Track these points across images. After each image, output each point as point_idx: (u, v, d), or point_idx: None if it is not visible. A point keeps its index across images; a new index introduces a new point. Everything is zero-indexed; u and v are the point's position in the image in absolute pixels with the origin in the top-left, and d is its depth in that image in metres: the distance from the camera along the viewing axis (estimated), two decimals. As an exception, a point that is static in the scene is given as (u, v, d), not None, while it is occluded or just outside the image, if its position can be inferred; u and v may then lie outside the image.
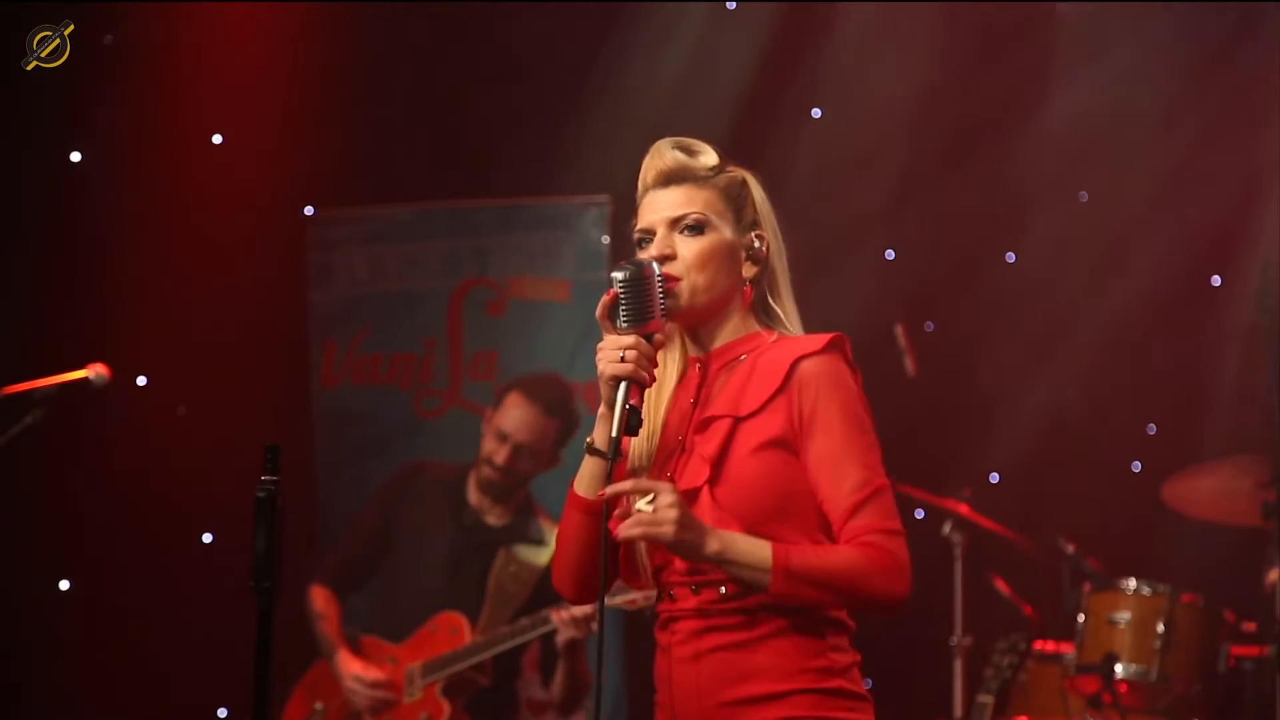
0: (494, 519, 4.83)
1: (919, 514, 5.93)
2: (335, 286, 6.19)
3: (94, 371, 4.04)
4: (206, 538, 6.28)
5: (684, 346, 2.75)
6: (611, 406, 2.61)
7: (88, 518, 6.08)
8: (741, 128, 6.43)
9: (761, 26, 6.46)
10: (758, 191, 2.76)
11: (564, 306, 6.08)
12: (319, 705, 4.72)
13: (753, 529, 2.57)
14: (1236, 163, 6.24)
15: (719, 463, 2.60)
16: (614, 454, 2.60)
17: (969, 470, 5.79)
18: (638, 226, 2.74)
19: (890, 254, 6.62)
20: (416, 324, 6.07)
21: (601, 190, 6.10)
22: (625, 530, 2.53)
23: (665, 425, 2.71)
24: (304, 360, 6.17)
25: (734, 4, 6.62)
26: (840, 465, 2.58)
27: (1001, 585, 5.63)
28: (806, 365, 2.61)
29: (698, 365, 2.72)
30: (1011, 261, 6.54)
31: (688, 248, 2.68)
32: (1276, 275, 4.86)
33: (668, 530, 2.49)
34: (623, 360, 2.59)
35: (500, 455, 4.77)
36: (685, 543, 2.51)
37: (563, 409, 4.93)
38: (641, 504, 2.52)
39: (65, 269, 6.16)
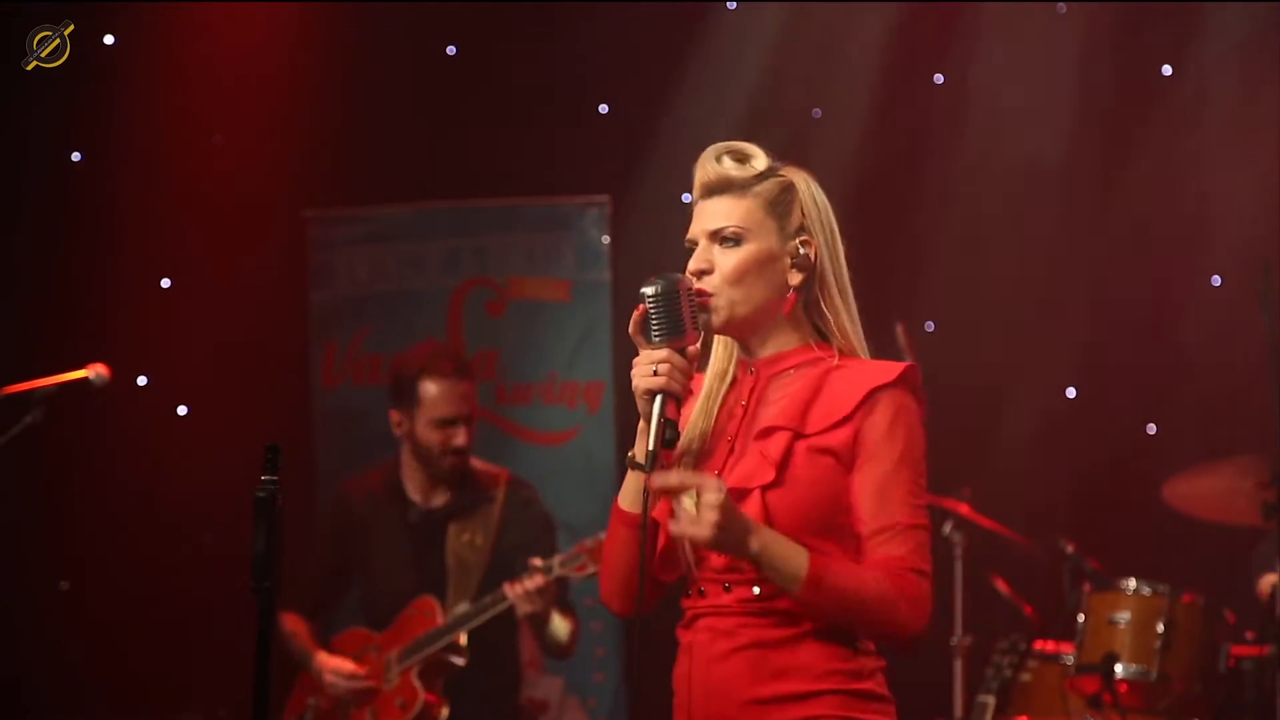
0: (438, 500, 4.79)
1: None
2: (335, 286, 6.19)
3: (94, 371, 4.04)
4: (206, 538, 6.28)
5: (732, 349, 2.75)
6: (649, 420, 2.60)
7: (88, 518, 6.08)
8: (742, 128, 6.44)
9: (760, 27, 6.46)
10: (807, 195, 2.73)
11: (564, 306, 6.08)
12: (312, 700, 4.72)
13: (795, 537, 2.57)
14: (1237, 162, 6.24)
15: (780, 467, 2.61)
16: (651, 467, 2.59)
17: (969, 470, 5.80)
18: (686, 236, 2.75)
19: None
20: (416, 324, 6.06)
21: (601, 190, 6.10)
22: (673, 529, 2.54)
23: (715, 426, 2.71)
24: (304, 360, 6.17)
25: (734, 4, 6.62)
26: (886, 493, 2.60)
27: (1001, 585, 5.62)
28: (878, 396, 2.62)
29: (749, 370, 2.73)
30: (1011, 262, 6.54)
31: (724, 260, 2.68)
32: (1276, 275, 4.86)
33: (707, 531, 2.48)
34: (655, 374, 2.60)
35: (460, 438, 4.69)
36: (726, 541, 2.51)
37: (467, 368, 4.82)
38: (686, 501, 2.52)
39: (65, 269, 6.16)
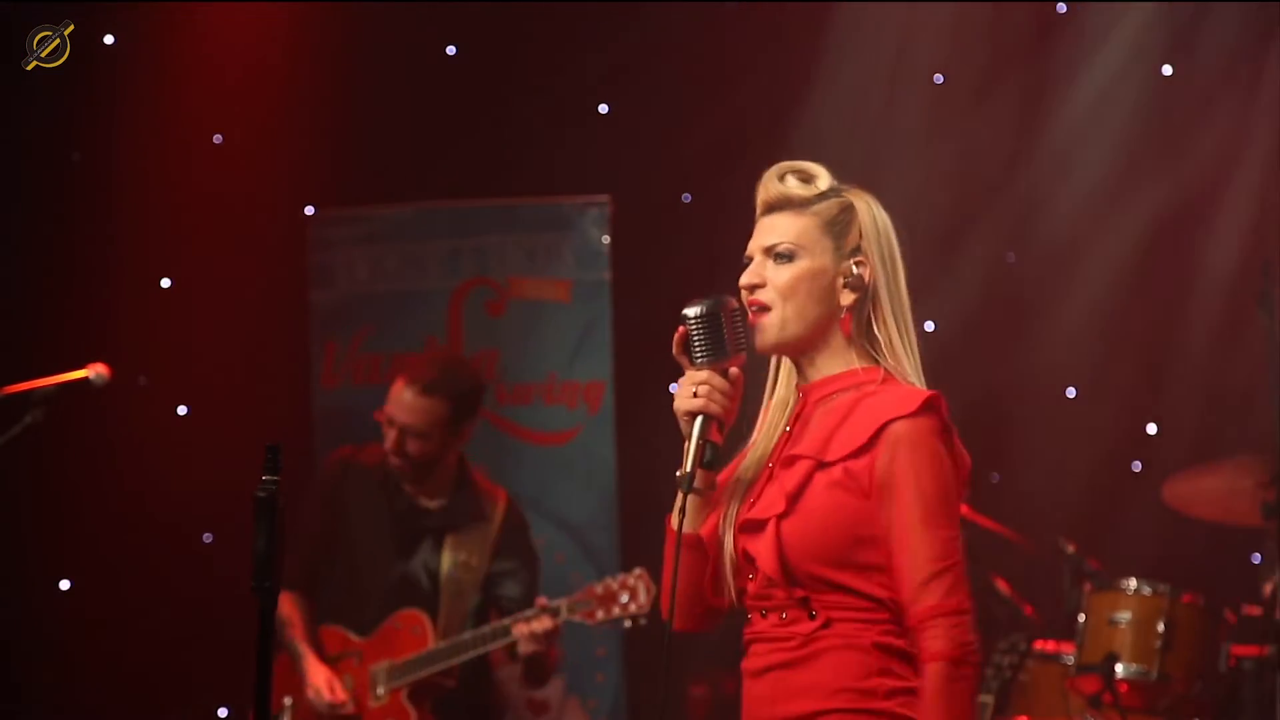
0: (427, 500, 4.78)
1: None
2: (335, 286, 6.19)
3: (94, 371, 4.04)
4: (206, 538, 6.28)
5: (794, 376, 2.76)
6: (690, 441, 2.63)
7: (88, 518, 6.08)
8: (740, 126, 6.44)
9: (760, 27, 6.47)
10: (867, 216, 2.74)
11: (564, 306, 6.08)
12: (287, 700, 4.69)
13: (807, 566, 2.60)
14: (1237, 163, 6.24)
15: (794, 498, 2.62)
16: (689, 488, 2.62)
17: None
18: (745, 252, 2.75)
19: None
20: (416, 324, 6.06)
21: (601, 190, 6.10)
22: None
23: (770, 452, 2.73)
24: (304, 360, 6.17)
25: (733, 3, 6.62)
26: (915, 537, 2.58)
27: (1001, 585, 5.62)
28: (896, 428, 2.60)
29: (798, 394, 2.74)
30: (1011, 261, 6.54)
31: (776, 275, 2.69)
32: (1276, 275, 4.86)
33: None
34: (696, 396, 2.63)
35: (388, 440, 4.70)
36: None
37: (446, 386, 4.72)
38: None
39: (65, 269, 6.16)
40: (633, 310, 6.13)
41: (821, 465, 2.62)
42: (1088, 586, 5.32)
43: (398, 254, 6.18)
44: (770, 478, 2.69)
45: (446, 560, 4.70)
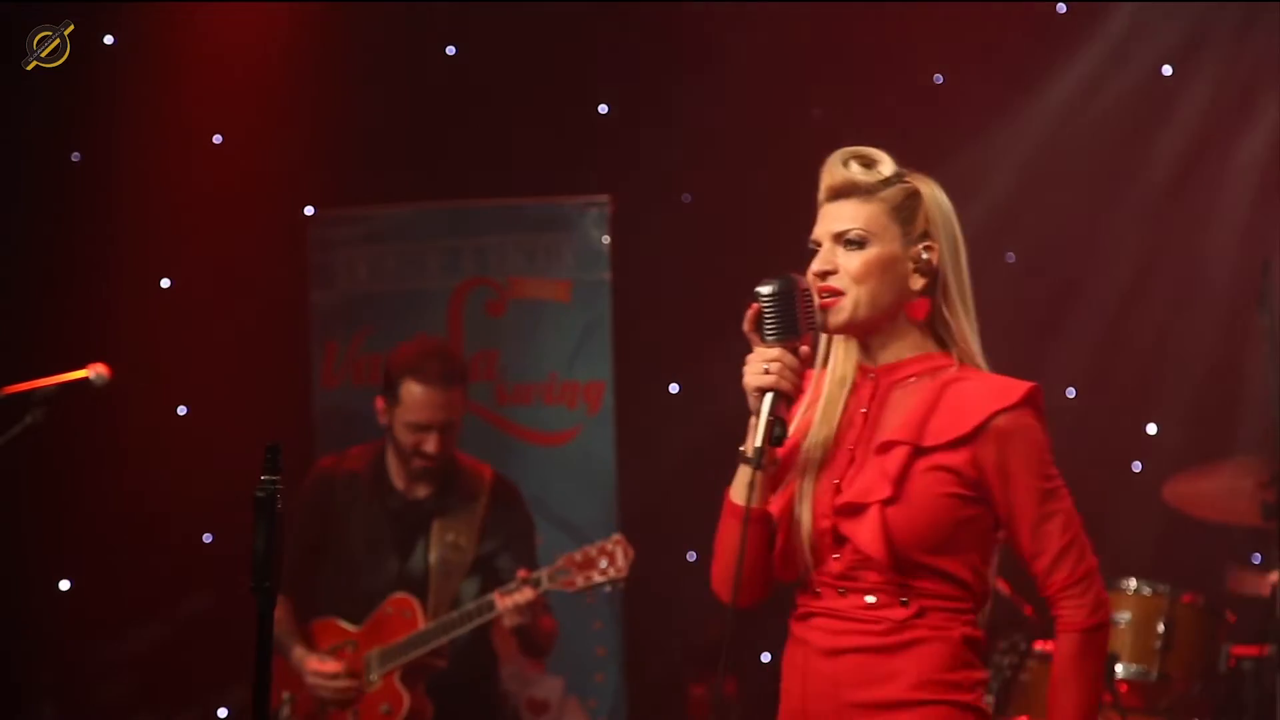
0: (420, 492, 4.78)
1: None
2: (335, 286, 6.19)
3: (94, 371, 4.04)
4: (206, 538, 6.28)
5: (854, 354, 2.79)
6: (759, 416, 2.66)
7: (88, 518, 6.08)
8: (741, 125, 6.44)
9: (760, 27, 6.46)
10: (932, 202, 2.79)
11: (564, 306, 6.08)
12: (286, 694, 4.69)
13: (912, 553, 2.65)
14: (1237, 162, 6.24)
15: (898, 484, 2.66)
16: (758, 463, 2.65)
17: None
18: (810, 237, 2.79)
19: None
20: (416, 324, 6.04)
21: (601, 190, 6.10)
22: None
23: (837, 432, 2.75)
24: (304, 360, 6.17)
25: (733, 2, 6.62)
26: (1039, 520, 2.69)
27: (1002, 585, 5.62)
28: (1001, 421, 2.68)
29: (869, 376, 2.77)
30: (1011, 261, 6.54)
31: (848, 262, 2.73)
32: (1276, 275, 4.86)
33: None
34: (767, 372, 2.66)
35: (430, 444, 4.68)
36: None
37: (456, 374, 4.77)
38: None
39: (65, 269, 6.16)
40: (633, 310, 6.13)
41: (919, 451, 2.67)
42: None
43: (398, 254, 6.18)
44: (853, 460, 2.72)
45: (435, 543, 4.71)
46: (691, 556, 6.63)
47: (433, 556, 4.71)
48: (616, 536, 4.56)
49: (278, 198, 6.30)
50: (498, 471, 4.87)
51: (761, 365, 2.66)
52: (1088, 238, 6.44)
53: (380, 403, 4.78)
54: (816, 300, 2.71)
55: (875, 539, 2.65)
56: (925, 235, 2.76)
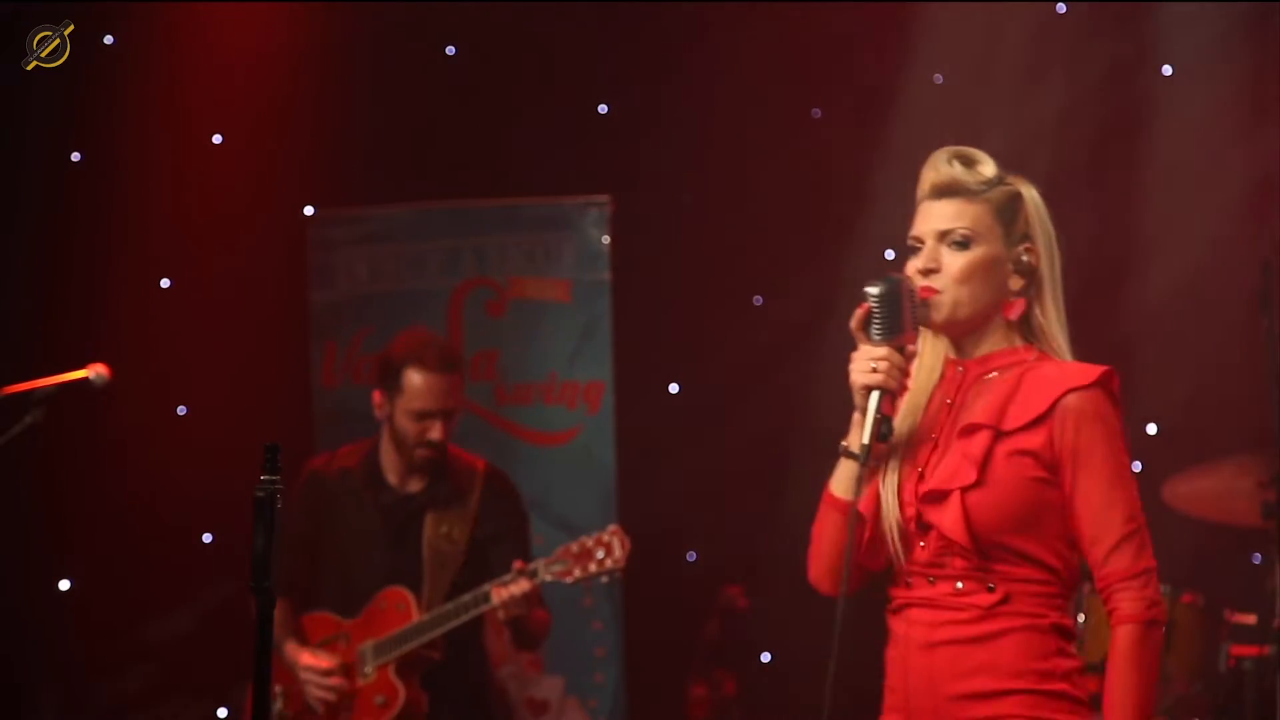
0: (413, 486, 4.77)
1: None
2: (335, 286, 6.19)
3: (94, 371, 4.04)
4: (206, 538, 6.28)
5: (942, 347, 2.84)
6: (865, 413, 2.72)
7: (88, 518, 6.08)
8: (741, 125, 6.44)
9: (760, 27, 6.47)
10: (1032, 204, 2.86)
11: (564, 306, 6.08)
12: (278, 688, 4.68)
13: (996, 537, 2.69)
14: (1237, 162, 6.24)
15: (981, 468, 2.70)
16: (865, 460, 2.72)
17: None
18: (910, 233, 2.83)
19: (890, 254, 6.62)
20: (416, 324, 6.05)
21: (601, 190, 6.10)
22: None
23: (921, 423, 2.80)
24: (304, 360, 6.17)
25: (733, 3, 6.62)
26: (1102, 505, 2.70)
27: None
28: (1073, 399, 2.72)
29: (957, 369, 2.81)
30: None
31: (952, 261, 2.78)
32: (1276, 275, 4.86)
33: None
34: (874, 371, 2.71)
35: (435, 432, 4.67)
36: None
37: (455, 361, 4.76)
38: None
39: (65, 269, 6.16)
40: (633, 310, 6.13)
41: (1000, 435, 2.71)
42: (1087, 587, 5.32)
43: (398, 254, 6.18)
44: (937, 447, 2.76)
45: (428, 535, 4.70)
46: (691, 556, 6.64)
47: (426, 549, 4.71)
48: (613, 527, 4.55)
49: (278, 198, 6.30)
50: (491, 463, 4.86)
51: (869, 363, 2.72)
52: (1087, 237, 6.43)
53: (378, 396, 4.76)
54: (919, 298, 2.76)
55: (957, 524, 2.68)
56: (1025, 237, 2.82)
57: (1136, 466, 6.70)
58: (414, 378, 4.67)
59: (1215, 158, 6.30)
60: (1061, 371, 2.75)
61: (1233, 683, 5.13)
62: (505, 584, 4.49)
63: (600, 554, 4.51)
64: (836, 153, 6.31)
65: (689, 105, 6.46)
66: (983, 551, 2.69)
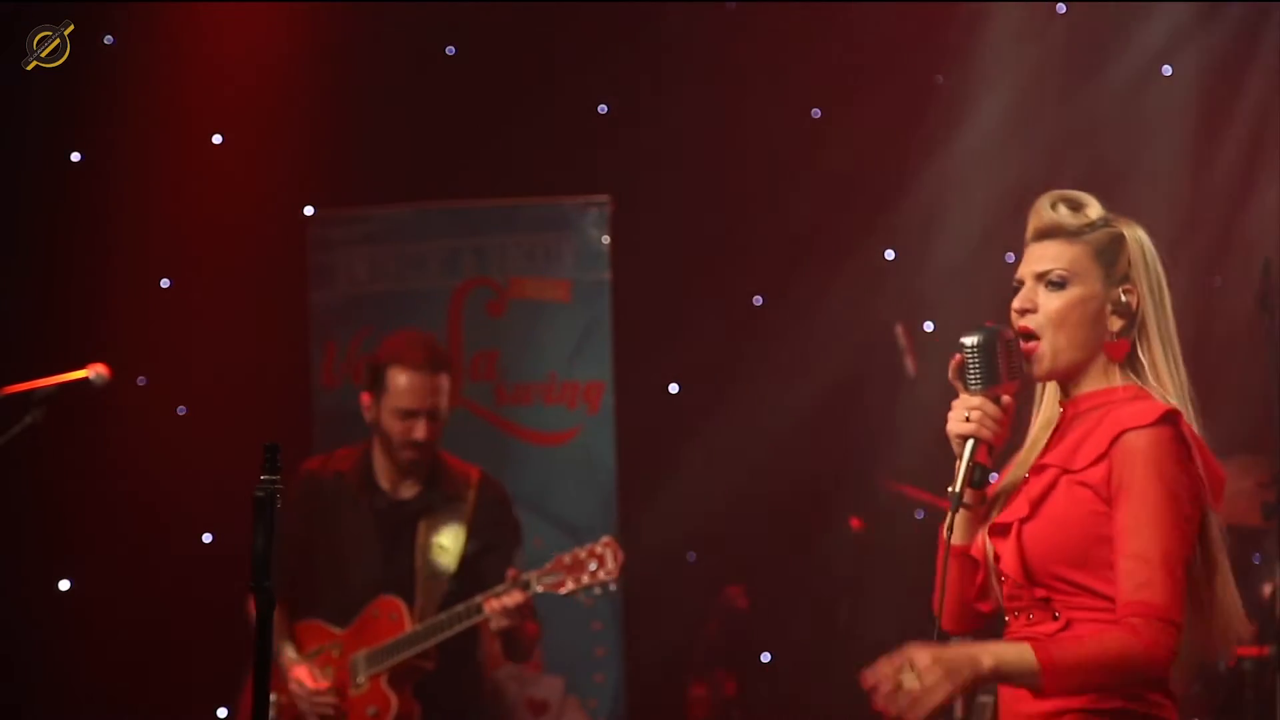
0: (406, 492, 4.76)
1: (919, 514, 5.92)
2: (335, 286, 6.19)
3: (94, 371, 4.04)
4: (206, 538, 6.28)
5: (1057, 396, 2.87)
6: (961, 461, 2.78)
7: (88, 518, 6.08)
8: (741, 125, 6.44)
9: (760, 27, 6.47)
10: (1135, 245, 2.87)
11: (564, 306, 6.08)
12: (272, 696, 4.66)
13: (1048, 567, 2.71)
14: (1236, 162, 6.24)
15: (1038, 503, 2.73)
16: (956, 506, 2.77)
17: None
18: (1015, 275, 2.89)
19: (890, 254, 6.62)
20: (416, 324, 6.02)
21: (601, 190, 6.10)
22: (910, 717, 2.62)
23: (1029, 465, 2.84)
24: (304, 360, 6.17)
25: (733, 4, 6.63)
26: (1138, 540, 2.66)
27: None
28: (1131, 437, 2.70)
29: (1063, 409, 2.85)
30: (1011, 261, 6.54)
31: (1048, 302, 2.81)
32: (1276, 275, 4.86)
33: (942, 691, 2.61)
34: (967, 420, 2.76)
35: (419, 431, 4.66)
36: (964, 684, 2.63)
37: (443, 362, 4.74)
38: (907, 680, 2.62)
39: (65, 269, 6.16)
40: (633, 310, 6.13)
41: (1066, 472, 2.73)
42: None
43: (398, 254, 6.18)
44: (1022, 487, 2.81)
45: (421, 544, 4.70)
46: (691, 557, 6.64)
47: (418, 558, 4.70)
48: (606, 539, 4.55)
49: (278, 198, 6.30)
50: (485, 472, 4.85)
51: (964, 413, 2.77)
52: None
53: (366, 398, 4.76)
54: (1022, 346, 2.79)
55: (1012, 556, 2.73)
56: (1126, 278, 2.83)
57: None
58: (398, 377, 4.67)
59: (1214, 157, 6.31)
60: (1129, 410, 2.74)
61: (1233, 683, 5.13)
62: (498, 595, 4.47)
63: (593, 565, 4.50)
64: (836, 153, 6.31)
65: (689, 105, 6.46)
66: (1038, 582, 2.72)
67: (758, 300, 6.68)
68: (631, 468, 6.01)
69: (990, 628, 2.93)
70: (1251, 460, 5.27)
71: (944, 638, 2.77)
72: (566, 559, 4.50)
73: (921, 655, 2.61)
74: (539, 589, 4.48)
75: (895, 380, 5.99)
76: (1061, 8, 6.50)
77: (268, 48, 6.33)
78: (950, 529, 2.79)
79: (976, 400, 2.76)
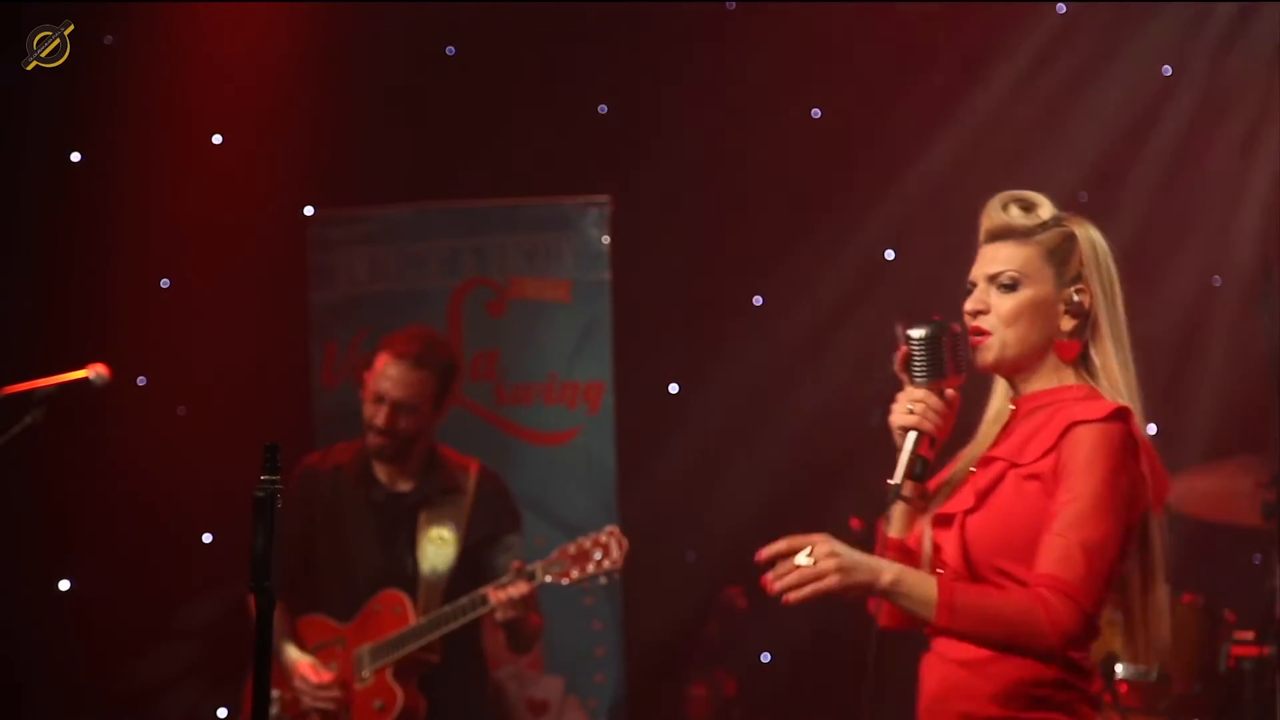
0: (403, 485, 4.76)
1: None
2: (335, 286, 6.19)
3: (94, 371, 4.04)
4: (206, 538, 6.28)
5: (1008, 392, 2.88)
6: (902, 453, 2.78)
7: (88, 518, 6.08)
8: (741, 125, 6.44)
9: (760, 27, 6.47)
10: (1087, 245, 2.87)
11: (564, 306, 6.08)
12: (275, 693, 4.67)
13: (990, 559, 2.71)
14: (1236, 161, 6.24)
15: (984, 495, 2.74)
16: (894, 497, 2.78)
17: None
18: (968, 277, 2.88)
19: (890, 254, 6.62)
20: (419, 323, 6.06)
21: (601, 190, 6.10)
22: (792, 594, 2.66)
23: (975, 459, 2.84)
24: (304, 360, 6.17)
25: (733, 4, 6.63)
26: (1062, 521, 2.67)
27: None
28: (1080, 430, 2.71)
29: (1014, 406, 2.85)
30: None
31: (1000, 303, 2.82)
32: (1277, 275, 4.86)
33: (832, 580, 2.64)
34: (911, 413, 2.77)
35: (379, 417, 4.66)
36: (856, 584, 2.66)
37: (432, 359, 4.73)
38: (800, 558, 2.66)
39: (65, 269, 6.16)
40: (633, 310, 6.13)
41: (1015, 466, 2.74)
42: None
43: (398, 254, 6.18)
44: (967, 480, 2.81)
45: (422, 537, 4.70)
46: (691, 556, 6.64)
47: (420, 551, 4.70)
48: (610, 528, 4.54)
49: (278, 198, 6.30)
50: (484, 464, 4.85)
51: (907, 405, 2.78)
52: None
53: (364, 382, 4.78)
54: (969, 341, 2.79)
55: (954, 546, 2.74)
56: (1078, 278, 2.84)
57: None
58: (382, 361, 4.69)
59: (1214, 158, 6.31)
60: (1083, 406, 2.75)
61: (1233, 683, 5.13)
62: (503, 586, 4.48)
63: (598, 555, 4.50)
64: (836, 153, 6.31)
65: (689, 105, 6.46)
66: (978, 575, 2.71)
67: (758, 300, 6.68)
68: (631, 468, 6.01)
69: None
70: (1252, 460, 5.27)
71: (883, 638, 2.75)
72: (571, 549, 4.50)
73: (824, 543, 2.65)
74: (545, 579, 4.48)
75: (895, 380, 5.99)
76: (1061, 8, 6.50)
77: (268, 48, 6.33)
78: (897, 520, 2.80)
79: (921, 393, 2.77)
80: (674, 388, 6.68)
